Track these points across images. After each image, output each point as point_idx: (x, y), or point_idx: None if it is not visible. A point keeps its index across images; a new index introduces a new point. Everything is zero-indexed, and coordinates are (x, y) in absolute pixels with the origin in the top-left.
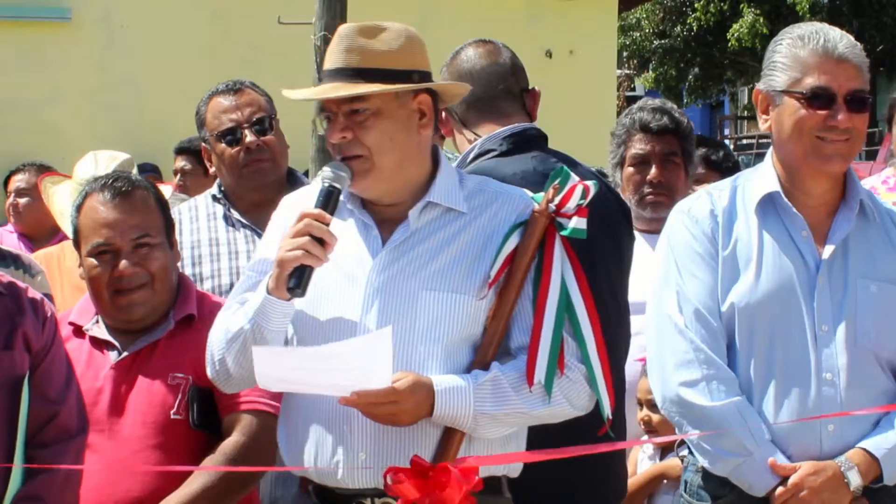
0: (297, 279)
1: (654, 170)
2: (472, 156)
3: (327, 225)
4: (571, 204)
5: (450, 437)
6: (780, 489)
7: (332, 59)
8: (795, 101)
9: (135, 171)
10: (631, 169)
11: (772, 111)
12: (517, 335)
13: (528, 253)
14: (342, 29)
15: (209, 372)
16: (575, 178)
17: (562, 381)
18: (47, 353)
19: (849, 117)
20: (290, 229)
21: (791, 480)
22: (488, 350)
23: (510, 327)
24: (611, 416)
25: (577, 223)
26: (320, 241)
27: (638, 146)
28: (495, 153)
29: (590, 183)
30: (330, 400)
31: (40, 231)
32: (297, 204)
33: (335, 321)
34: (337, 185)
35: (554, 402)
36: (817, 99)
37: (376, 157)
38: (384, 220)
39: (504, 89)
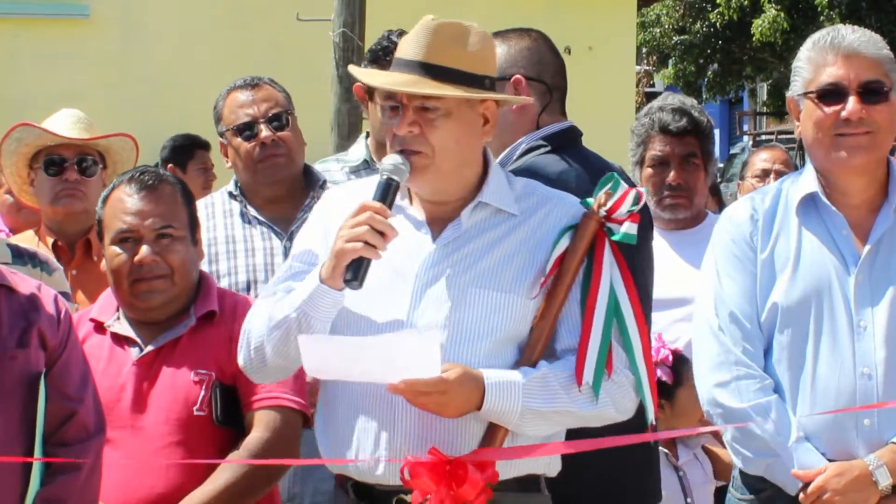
0: (354, 271)
1: (672, 172)
2: (521, 150)
3: (387, 218)
4: (623, 209)
5: (493, 434)
6: (804, 493)
7: (412, 50)
8: (811, 103)
9: None
10: (650, 170)
11: (800, 116)
12: (564, 337)
13: (577, 256)
14: (426, 20)
15: (241, 360)
16: (624, 185)
17: (608, 384)
18: (63, 350)
19: (862, 109)
20: (348, 220)
21: (815, 483)
22: (534, 350)
23: (557, 329)
24: (654, 422)
25: (628, 228)
26: (380, 234)
27: (657, 147)
28: (546, 149)
29: (642, 189)
30: (374, 395)
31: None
32: (344, 197)
33: (383, 315)
34: (395, 178)
35: (600, 404)
36: (829, 95)
37: (438, 157)
38: (434, 218)
39: None
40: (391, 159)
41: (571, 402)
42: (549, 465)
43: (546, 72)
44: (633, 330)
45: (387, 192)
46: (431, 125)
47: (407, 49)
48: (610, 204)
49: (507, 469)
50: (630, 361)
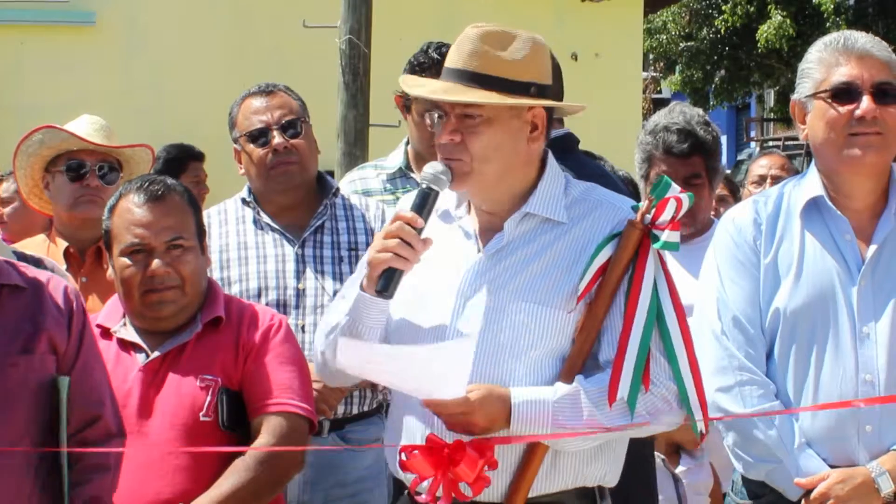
0: (385, 281)
1: None
2: None
3: (420, 229)
4: (665, 216)
5: (533, 448)
6: (806, 499)
7: (454, 59)
8: (823, 103)
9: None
10: None
11: (807, 119)
12: (607, 349)
13: (619, 266)
14: (469, 30)
15: (315, 368)
16: (676, 188)
17: (647, 397)
18: (79, 353)
19: (876, 109)
20: (383, 229)
21: (818, 489)
22: (576, 362)
23: (600, 340)
24: (704, 432)
25: (669, 236)
26: (410, 246)
27: (661, 167)
28: None
29: (683, 196)
30: (422, 412)
31: (32, 234)
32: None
33: (427, 325)
34: (434, 188)
35: (637, 419)
36: (842, 94)
37: (477, 164)
38: (485, 228)
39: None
40: (431, 168)
41: (603, 419)
42: (605, 476)
43: None
44: (677, 340)
45: (424, 202)
46: (472, 132)
47: (451, 58)
48: (654, 211)
49: (554, 481)
50: (674, 372)
